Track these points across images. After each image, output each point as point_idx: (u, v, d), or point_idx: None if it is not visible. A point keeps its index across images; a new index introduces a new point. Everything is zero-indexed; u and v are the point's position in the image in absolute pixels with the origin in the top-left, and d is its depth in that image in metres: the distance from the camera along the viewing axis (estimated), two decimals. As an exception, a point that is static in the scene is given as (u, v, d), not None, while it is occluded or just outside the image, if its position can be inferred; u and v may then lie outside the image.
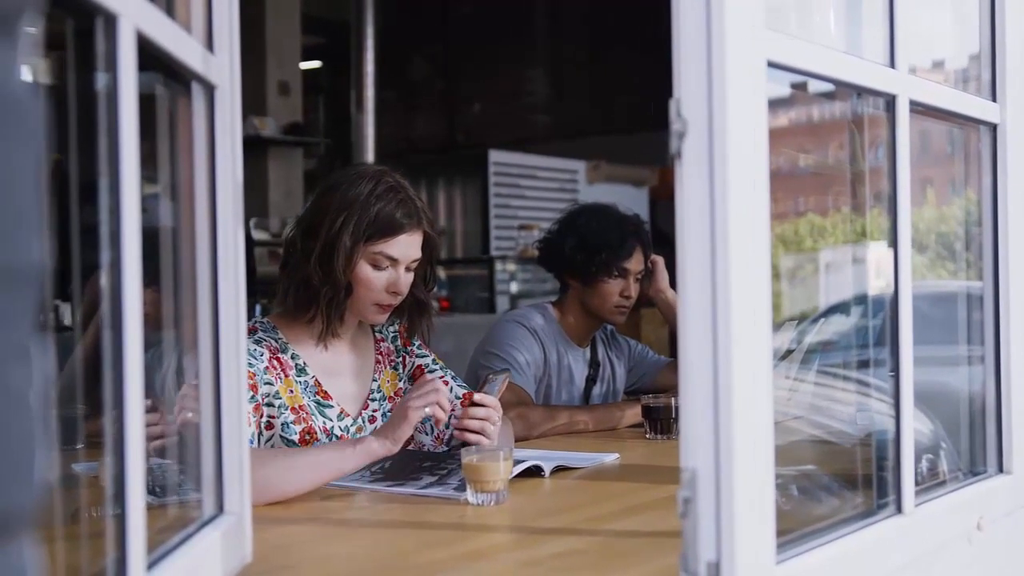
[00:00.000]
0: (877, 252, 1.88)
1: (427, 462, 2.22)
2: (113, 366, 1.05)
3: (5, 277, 0.60)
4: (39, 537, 0.66)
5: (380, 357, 2.47)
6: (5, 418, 0.60)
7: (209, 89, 1.41)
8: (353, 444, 2.07)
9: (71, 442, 1.52)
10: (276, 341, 2.30)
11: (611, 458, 2.45)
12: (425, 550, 1.69)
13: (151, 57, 1.16)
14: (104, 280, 1.06)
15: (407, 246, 2.30)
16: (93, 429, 1.25)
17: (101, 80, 1.06)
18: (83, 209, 1.09)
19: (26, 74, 0.63)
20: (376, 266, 2.28)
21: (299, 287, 2.29)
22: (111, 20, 1.03)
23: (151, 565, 1.14)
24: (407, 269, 2.32)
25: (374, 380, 2.44)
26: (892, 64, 1.58)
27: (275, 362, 2.25)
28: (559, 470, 2.27)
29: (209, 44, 1.41)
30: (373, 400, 2.42)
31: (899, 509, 1.57)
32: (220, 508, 1.43)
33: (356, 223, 2.24)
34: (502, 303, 7.66)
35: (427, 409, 2.05)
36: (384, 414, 2.41)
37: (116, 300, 1.05)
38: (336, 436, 2.31)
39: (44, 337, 0.65)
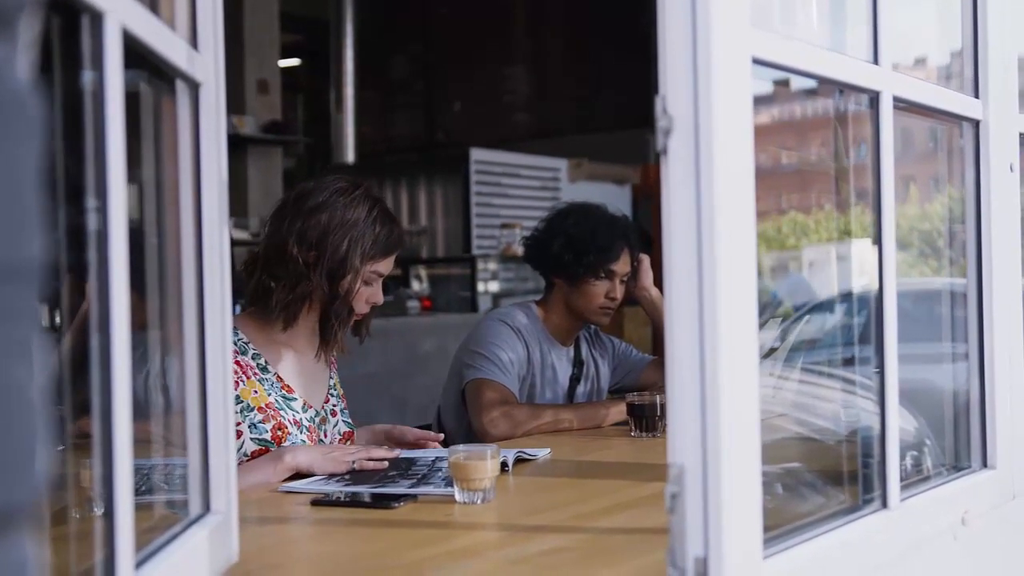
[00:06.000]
0: (860, 250, 1.89)
1: (392, 471, 2.21)
2: (101, 367, 1.04)
3: (9, 273, 0.60)
4: (39, 533, 0.66)
5: (332, 359, 2.59)
6: (8, 413, 0.60)
7: (194, 87, 1.40)
8: (274, 464, 2.17)
9: (54, 443, 1.51)
10: (235, 343, 2.34)
11: (544, 452, 2.48)
12: (412, 548, 1.69)
13: (135, 55, 1.15)
14: (90, 280, 1.05)
15: (392, 263, 2.47)
16: (75, 430, 1.25)
17: (86, 78, 1.05)
18: (65, 208, 1.08)
19: (25, 71, 0.63)
20: (366, 282, 2.41)
21: (299, 300, 2.37)
22: (97, 18, 1.03)
23: (139, 564, 1.13)
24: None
25: (331, 378, 2.56)
26: (876, 60, 1.59)
27: (235, 366, 2.28)
28: (519, 462, 2.33)
29: (194, 42, 1.40)
30: (332, 395, 2.54)
31: (884, 504, 1.58)
32: (207, 507, 1.42)
33: (362, 246, 2.36)
34: (484, 302, 7.65)
35: (355, 465, 2.22)
36: (343, 409, 2.56)
37: (103, 300, 1.04)
38: (305, 427, 2.39)
39: (43, 334, 0.65)
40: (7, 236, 0.60)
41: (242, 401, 2.30)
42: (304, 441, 2.36)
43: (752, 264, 1.27)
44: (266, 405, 2.34)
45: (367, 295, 2.42)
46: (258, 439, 2.30)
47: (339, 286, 2.36)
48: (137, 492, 1.14)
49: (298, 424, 2.37)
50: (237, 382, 2.29)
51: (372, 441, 2.59)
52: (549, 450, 2.50)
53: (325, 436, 2.46)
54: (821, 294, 2.35)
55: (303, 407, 2.42)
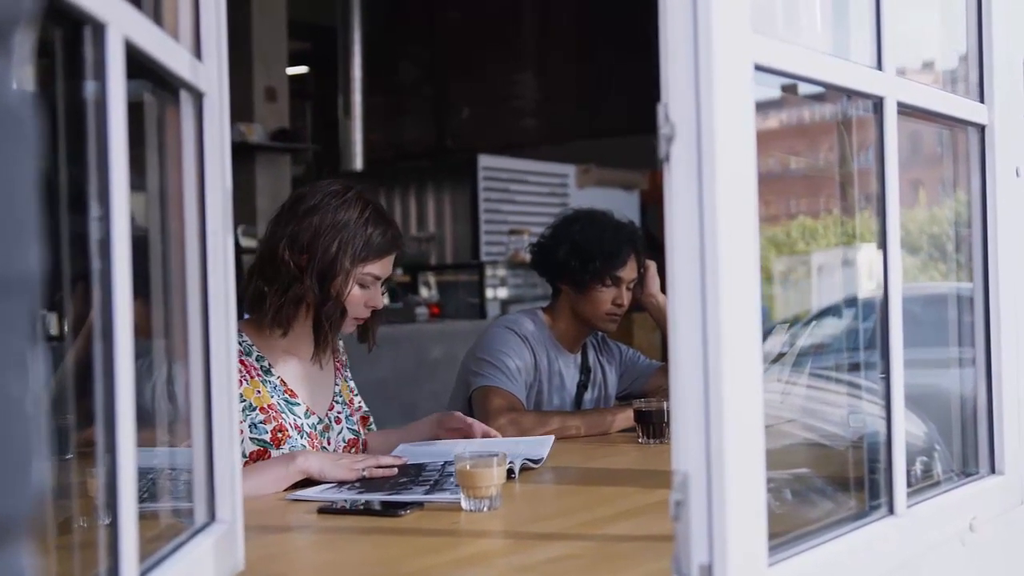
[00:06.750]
0: (868, 254, 1.89)
1: (402, 478, 2.21)
2: (104, 376, 1.04)
3: (4, 286, 0.60)
4: (37, 544, 0.66)
5: (338, 365, 2.59)
6: (3, 426, 0.61)
7: (197, 97, 1.40)
8: (285, 465, 2.17)
9: (61, 452, 1.51)
10: (240, 345, 2.35)
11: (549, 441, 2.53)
12: (418, 556, 1.68)
13: (139, 65, 1.16)
14: (94, 289, 1.06)
15: (390, 265, 2.46)
16: (82, 439, 1.25)
17: (89, 88, 1.06)
18: (71, 218, 1.09)
19: (21, 83, 0.63)
20: (362, 285, 2.40)
21: (292, 304, 2.37)
22: (99, 29, 1.03)
23: (143, 573, 1.13)
24: (383, 284, 2.47)
25: (336, 385, 2.56)
26: (879, 66, 1.59)
27: (239, 365, 2.29)
28: (525, 469, 2.33)
29: (197, 52, 1.40)
30: (337, 403, 2.54)
31: (891, 510, 1.57)
32: (212, 516, 1.43)
33: (353, 247, 2.36)
34: (492, 308, 7.64)
35: (364, 472, 2.21)
36: (347, 416, 2.54)
37: (106, 309, 1.04)
38: (307, 433, 2.40)
39: (39, 346, 0.66)
40: (3, 249, 0.60)
41: (244, 400, 2.31)
42: (304, 446, 2.36)
43: (755, 270, 1.27)
44: (268, 406, 2.34)
45: (365, 298, 2.41)
46: (257, 439, 2.31)
47: (330, 288, 2.36)
48: (141, 500, 1.14)
49: (299, 429, 2.37)
50: (240, 380, 2.29)
51: (436, 432, 2.60)
52: (552, 436, 2.54)
53: (328, 443, 2.45)
54: (777, 312, 2.34)
55: (306, 413, 2.42)
